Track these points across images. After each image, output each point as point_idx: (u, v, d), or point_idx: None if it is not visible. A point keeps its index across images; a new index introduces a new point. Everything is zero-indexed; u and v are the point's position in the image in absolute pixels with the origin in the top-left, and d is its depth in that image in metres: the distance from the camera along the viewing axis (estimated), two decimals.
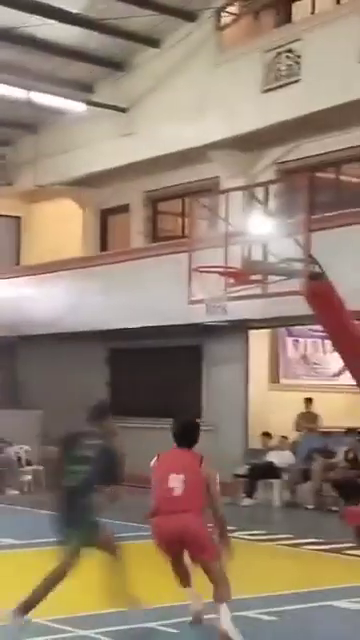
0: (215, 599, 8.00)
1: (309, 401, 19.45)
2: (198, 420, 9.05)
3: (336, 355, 17.05)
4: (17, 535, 13.29)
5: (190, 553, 8.32)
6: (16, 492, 19.18)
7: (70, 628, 8.09)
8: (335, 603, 9.39)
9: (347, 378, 19.93)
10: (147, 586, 10.19)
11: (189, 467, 8.17)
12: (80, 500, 8.28)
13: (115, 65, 21.73)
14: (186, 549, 8.32)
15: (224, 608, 7.91)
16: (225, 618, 7.88)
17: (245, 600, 9.51)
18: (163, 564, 10.97)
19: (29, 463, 20.06)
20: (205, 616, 8.53)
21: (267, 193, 15.11)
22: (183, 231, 21.32)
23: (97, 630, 8.01)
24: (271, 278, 12.88)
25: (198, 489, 8.09)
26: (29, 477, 19.67)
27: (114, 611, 8.87)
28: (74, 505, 8.28)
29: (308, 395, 19.61)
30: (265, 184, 16.88)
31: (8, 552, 12.33)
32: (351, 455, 17.26)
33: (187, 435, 8.43)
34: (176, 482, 8.11)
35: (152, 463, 8.45)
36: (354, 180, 19.97)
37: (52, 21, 19.73)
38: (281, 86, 18.87)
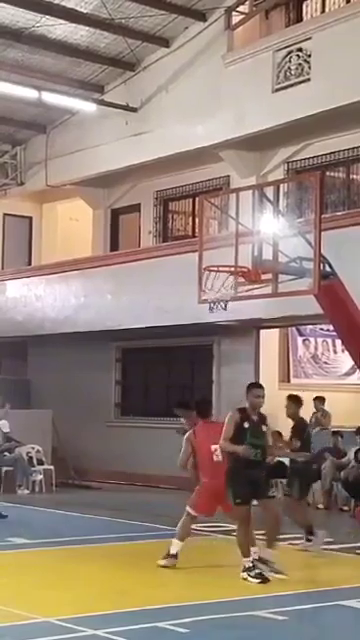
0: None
1: (321, 400, 19.39)
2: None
3: (347, 354, 17.05)
4: (28, 534, 13.32)
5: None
6: (27, 492, 19.21)
7: (82, 627, 8.10)
8: (346, 603, 9.38)
9: (358, 377, 20.00)
10: (157, 585, 10.23)
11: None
12: None
13: (125, 65, 21.75)
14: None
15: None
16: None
17: (257, 599, 9.53)
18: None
19: (40, 463, 20.09)
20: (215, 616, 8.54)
21: (277, 192, 15.09)
22: (193, 231, 21.33)
23: (108, 630, 8.02)
24: (281, 277, 12.87)
25: None
26: (40, 477, 19.70)
27: (124, 611, 8.90)
28: None
29: (318, 394, 19.57)
30: (275, 183, 16.86)
31: (19, 551, 12.35)
32: None
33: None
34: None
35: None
36: None
37: (63, 21, 19.78)
38: (291, 85, 18.85)
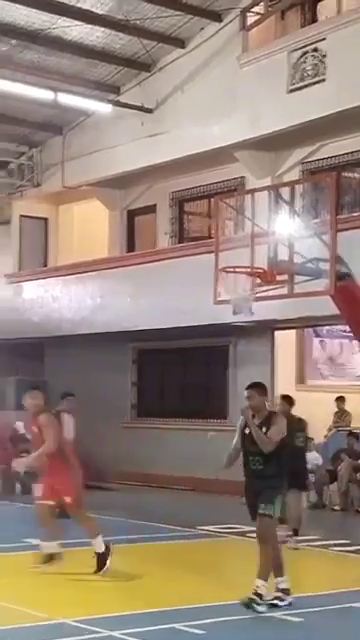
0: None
1: (342, 400, 19.35)
2: None
3: None
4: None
5: None
6: None
7: (97, 628, 8.11)
8: None
9: None
10: (173, 586, 10.23)
11: None
12: None
13: (141, 66, 21.75)
14: None
15: None
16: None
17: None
18: (190, 564, 10.99)
19: None
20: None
21: (293, 193, 15.10)
22: (209, 231, 21.32)
23: (124, 631, 8.03)
24: (297, 278, 12.86)
25: None
26: None
27: (140, 612, 8.90)
28: None
29: (336, 395, 19.54)
30: (291, 184, 16.87)
31: (36, 552, 12.34)
32: None
33: None
34: None
35: None
36: None
37: (79, 23, 19.81)
38: (307, 86, 18.79)
